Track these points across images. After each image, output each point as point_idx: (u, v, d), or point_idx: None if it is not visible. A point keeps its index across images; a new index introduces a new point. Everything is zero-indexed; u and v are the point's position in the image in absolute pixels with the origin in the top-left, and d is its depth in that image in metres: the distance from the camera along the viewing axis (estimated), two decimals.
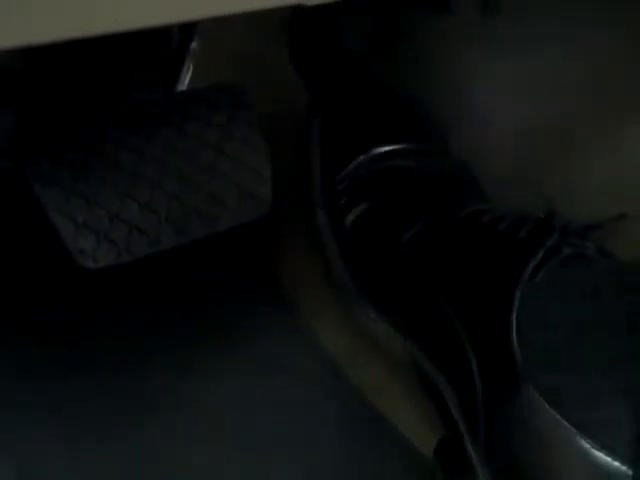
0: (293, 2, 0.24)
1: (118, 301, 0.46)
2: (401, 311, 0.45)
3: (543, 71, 0.49)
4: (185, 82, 0.47)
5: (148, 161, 0.40)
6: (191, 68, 0.47)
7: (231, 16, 0.25)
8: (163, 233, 0.40)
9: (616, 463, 0.34)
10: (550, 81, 0.49)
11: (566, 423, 0.35)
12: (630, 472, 0.33)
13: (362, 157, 0.48)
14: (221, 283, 0.49)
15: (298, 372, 0.46)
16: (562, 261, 0.38)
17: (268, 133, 0.42)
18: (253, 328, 0.47)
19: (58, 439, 0.41)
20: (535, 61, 0.49)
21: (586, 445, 0.34)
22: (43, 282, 0.45)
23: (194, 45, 0.47)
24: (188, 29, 0.46)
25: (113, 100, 0.46)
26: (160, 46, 0.47)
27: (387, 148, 0.48)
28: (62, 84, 0.45)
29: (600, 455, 0.34)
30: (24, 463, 0.40)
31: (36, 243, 0.44)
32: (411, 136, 0.49)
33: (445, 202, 0.45)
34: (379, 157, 0.48)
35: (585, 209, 0.43)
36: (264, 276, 0.51)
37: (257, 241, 0.50)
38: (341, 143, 0.49)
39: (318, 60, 0.52)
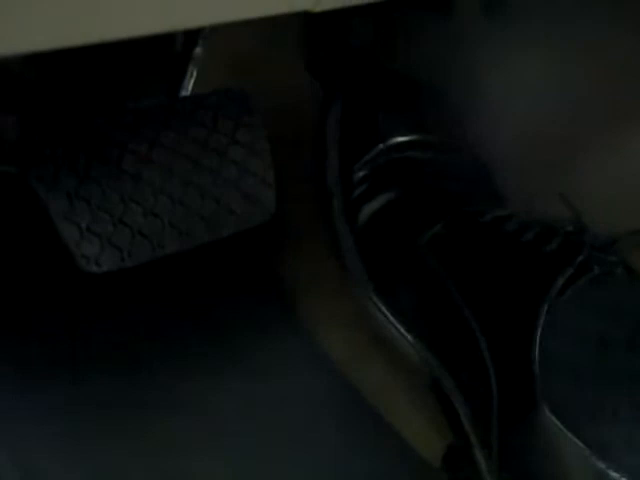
0: (299, 9, 0.24)
1: (119, 304, 0.46)
2: (416, 311, 0.44)
3: (547, 72, 0.49)
4: (189, 87, 0.47)
5: (152, 166, 0.40)
6: (195, 73, 0.47)
7: (235, 21, 0.25)
8: (167, 238, 0.40)
9: None
10: (554, 82, 0.49)
11: (582, 444, 0.34)
12: None
13: (381, 146, 0.47)
14: (223, 286, 0.49)
15: (299, 374, 0.46)
16: (591, 279, 0.38)
17: (273, 137, 0.42)
18: (254, 330, 0.47)
19: (57, 440, 0.41)
20: (538, 62, 0.49)
21: (602, 466, 0.34)
22: (46, 286, 0.45)
23: (198, 50, 0.47)
24: (192, 34, 0.46)
25: (117, 105, 0.46)
26: (164, 51, 0.47)
27: (407, 138, 0.48)
28: (66, 89, 0.45)
29: (616, 476, 0.34)
30: (24, 463, 0.40)
31: (40, 248, 0.44)
32: (430, 128, 0.49)
33: (465, 203, 0.45)
34: (398, 147, 0.47)
35: (591, 215, 0.43)
36: (266, 278, 0.51)
37: (259, 243, 0.50)
38: (360, 131, 0.48)
39: (335, 64, 0.52)
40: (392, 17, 0.50)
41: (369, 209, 0.46)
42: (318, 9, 0.24)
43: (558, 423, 0.35)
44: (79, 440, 0.41)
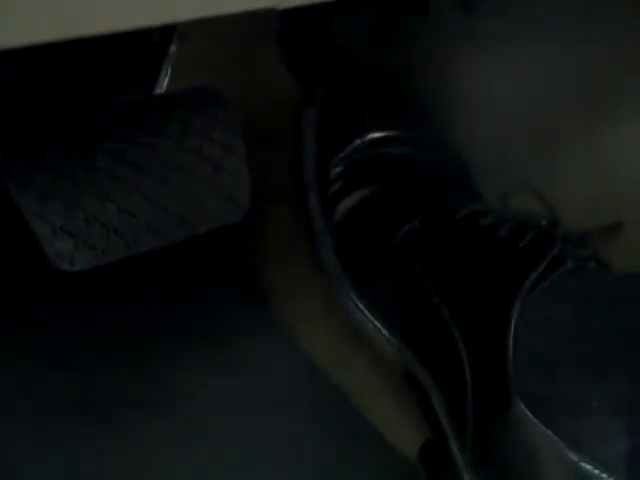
0: (265, 5, 0.24)
1: (95, 304, 0.46)
2: (392, 307, 0.44)
3: (530, 69, 0.49)
4: (164, 84, 0.47)
5: (126, 164, 0.39)
6: (170, 71, 0.47)
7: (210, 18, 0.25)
8: (141, 236, 0.39)
9: (604, 475, 0.34)
10: (537, 80, 0.49)
11: (555, 436, 0.35)
12: None
13: (358, 141, 0.47)
14: (200, 286, 0.49)
15: (280, 375, 0.46)
16: (563, 273, 0.38)
17: (249, 134, 0.42)
18: (235, 331, 0.47)
19: (38, 440, 0.41)
20: (521, 60, 0.49)
21: (575, 458, 0.34)
22: (21, 284, 0.45)
23: (173, 48, 0.47)
24: (167, 31, 0.46)
25: (91, 103, 0.46)
26: (139, 48, 0.47)
27: (384, 134, 0.48)
28: (39, 86, 0.45)
29: (589, 468, 0.34)
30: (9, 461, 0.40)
31: (13, 246, 0.43)
32: (409, 124, 0.49)
33: (442, 198, 0.45)
34: (376, 142, 0.47)
35: (573, 210, 0.43)
36: (245, 277, 0.51)
37: (238, 242, 0.50)
38: (337, 126, 0.48)
39: (313, 61, 0.51)
40: (372, 14, 0.50)
41: (345, 205, 0.46)
42: (283, 6, 0.24)
43: (532, 416, 0.35)
44: (61, 440, 0.41)
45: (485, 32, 0.50)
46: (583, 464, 0.34)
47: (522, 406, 0.36)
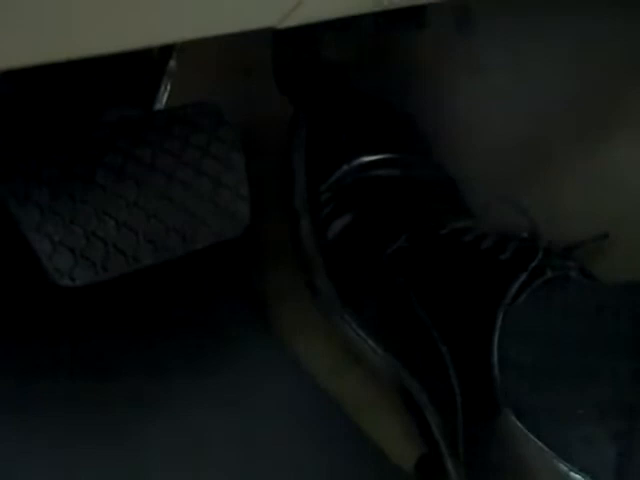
0: (264, 25, 0.24)
1: (93, 321, 0.46)
2: (384, 326, 0.45)
3: (522, 86, 0.49)
4: (163, 101, 0.47)
5: (126, 179, 0.40)
6: (169, 87, 0.47)
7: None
8: (141, 251, 0.39)
9: None
10: (528, 97, 0.49)
11: (544, 446, 0.35)
12: None
13: (346, 166, 0.48)
14: (198, 299, 0.49)
15: (276, 387, 0.46)
16: (544, 283, 0.38)
17: (250, 148, 0.42)
18: (233, 345, 0.47)
19: (33, 451, 0.41)
20: (514, 76, 0.49)
21: (564, 468, 0.34)
22: (20, 300, 0.45)
23: (172, 64, 0.47)
24: (166, 48, 0.46)
25: (91, 119, 0.46)
26: (139, 64, 0.47)
27: (372, 158, 0.48)
28: (39, 103, 0.45)
29: (579, 477, 0.34)
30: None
31: (12, 262, 0.43)
32: (396, 146, 0.49)
33: (428, 217, 0.45)
34: (364, 166, 0.48)
35: (563, 225, 0.44)
36: (244, 292, 0.51)
37: (236, 257, 0.50)
38: (325, 152, 0.49)
39: (302, 76, 0.52)
40: (363, 33, 0.51)
41: (336, 228, 0.47)
42: (282, 26, 0.24)
43: (520, 426, 0.35)
44: (56, 449, 0.41)
45: (477, 50, 0.50)
46: (572, 474, 0.34)
47: (510, 416, 0.36)
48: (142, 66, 0.47)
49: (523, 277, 0.38)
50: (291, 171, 0.49)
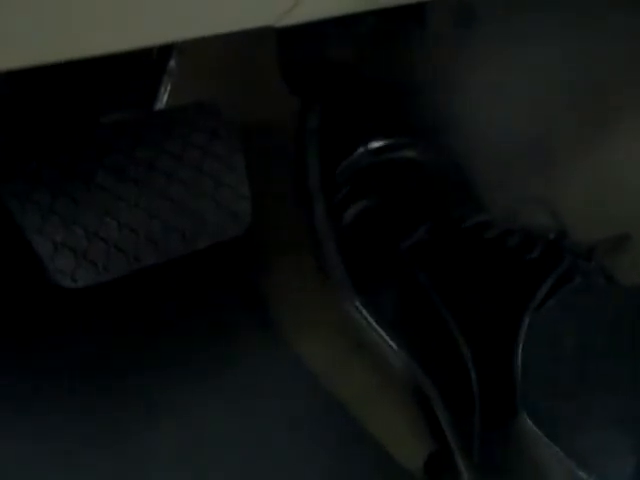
0: (263, 24, 0.24)
1: (94, 321, 0.46)
2: (398, 318, 0.44)
3: (530, 83, 0.49)
4: (163, 100, 0.47)
5: (127, 180, 0.40)
6: (169, 86, 0.47)
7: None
8: (142, 251, 0.40)
9: None
10: (529, 93, 0.49)
11: (562, 453, 0.35)
12: None
13: (362, 149, 0.47)
14: (201, 298, 0.49)
15: (281, 387, 0.46)
16: (571, 289, 0.38)
17: (250, 148, 0.42)
18: (235, 343, 0.47)
19: (34, 456, 0.41)
20: (521, 73, 0.49)
21: (583, 475, 0.34)
22: (22, 301, 0.45)
23: (172, 63, 0.47)
24: (166, 47, 0.46)
25: (92, 119, 0.46)
26: (139, 64, 0.47)
27: (387, 141, 0.48)
28: (39, 104, 0.45)
29: None
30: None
31: (14, 263, 0.43)
32: (411, 130, 0.49)
33: (447, 206, 0.45)
34: (380, 149, 0.47)
35: (575, 223, 0.43)
36: (244, 292, 0.51)
37: (238, 255, 0.50)
38: (340, 136, 0.48)
39: (310, 72, 0.52)
40: (368, 28, 0.51)
41: (351, 213, 0.46)
42: (281, 25, 0.24)
43: (538, 431, 0.35)
44: (56, 449, 0.41)
45: (484, 45, 0.50)
46: None
47: (529, 422, 0.36)
48: (142, 66, 0.47)
49: (551, 282, 0.38)
50: (304, 155, 0.48)
